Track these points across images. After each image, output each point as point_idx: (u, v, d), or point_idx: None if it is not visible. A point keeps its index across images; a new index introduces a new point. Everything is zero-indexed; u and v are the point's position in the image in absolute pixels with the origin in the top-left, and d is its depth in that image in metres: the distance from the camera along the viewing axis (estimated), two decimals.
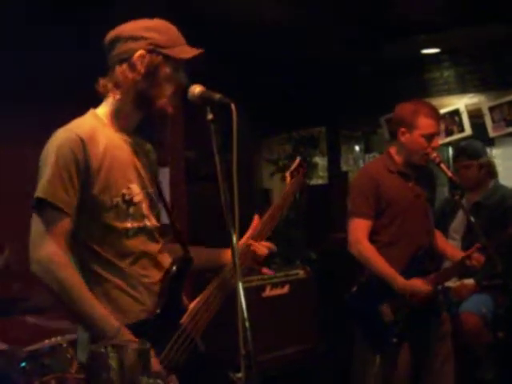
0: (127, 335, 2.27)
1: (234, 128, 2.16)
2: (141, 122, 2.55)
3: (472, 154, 5.18)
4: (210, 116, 2.26)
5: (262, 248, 2.71)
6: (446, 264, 4.60)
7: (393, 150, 4.12)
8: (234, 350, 2.08)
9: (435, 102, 7.34)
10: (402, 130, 3.98)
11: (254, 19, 5.82)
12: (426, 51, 7.30)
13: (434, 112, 4.01)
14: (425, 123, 3.93)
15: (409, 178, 4.06)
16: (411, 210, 4.01)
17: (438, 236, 4.36)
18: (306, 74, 7.30)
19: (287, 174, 2.92)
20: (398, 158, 4.07)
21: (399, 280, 3.89)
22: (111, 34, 2.48)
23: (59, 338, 3.81)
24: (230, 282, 2.53)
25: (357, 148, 8.48)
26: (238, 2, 5.48)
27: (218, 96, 2.28)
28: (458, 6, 5.79)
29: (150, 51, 2.42)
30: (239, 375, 2.07)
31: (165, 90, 2.47)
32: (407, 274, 3.94)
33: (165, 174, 5.86)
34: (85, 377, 2.22)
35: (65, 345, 3.70)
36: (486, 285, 4.91)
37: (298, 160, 2.99)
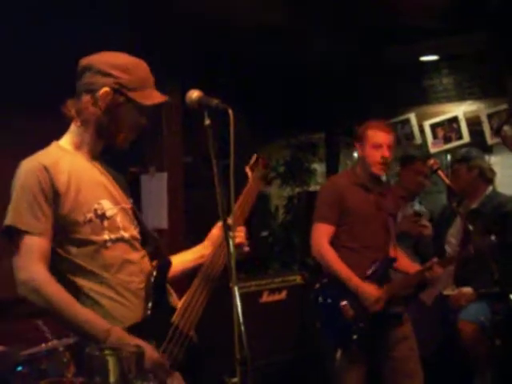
0: (119, 334, 2.32)
1: (231, 133, 2.18)
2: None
3: (461, 159, 5.22)
4: (207, 121, 2.28)
5: (240, 234, 2.73)
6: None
7: (358, 167, 4.36)
8: (229, 354, 2.08)
9: (434, 108, 7.39)
10: (357, 145, 4.27)
11: (254, 24, 5.83)
12: (425, 58, 7.31)
13: (381, 125, 4.26)
14: (371, 134, 4.19)
15: (370, 191, 4.28)
16: (370, 221, 4.24)
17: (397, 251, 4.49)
18: (305, 80, 7.31)
19: (247, 170, 2.93)
20: (360, 173, 4.30)
21: (354, 280, 4.11)
22: (84, 62, 2.53)
23: (56, 342, 3.81)
24: (211, 276, 2.61)
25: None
26: (237, 6, 5.48)
27: (215, 101, 2.30)
28: (457, 14, 5.80)
29: (114, 90, 2.47)
30: (235, 380, 2.07)
31: (123, 126, 2.52)
32: (370, 279, 4.17)
33: (163, 179, 5.87)
34: (80, 380, 2.22)
35: (61, 349, 3.70)
36: (484, 293, 4.91)
37: (254, 155, 3.00)
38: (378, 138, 4.16)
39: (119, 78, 2.47)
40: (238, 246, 2.65)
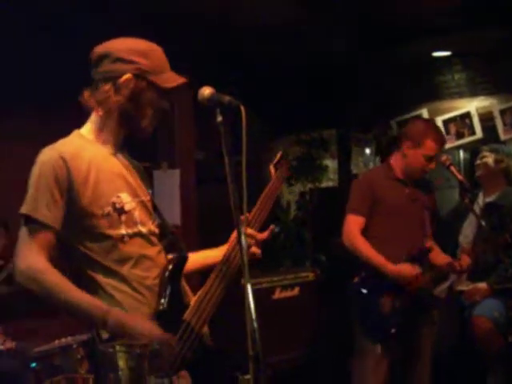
0: (118, 315, 2.31)
1: (243, 130, 2.18)
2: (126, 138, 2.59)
3: (493, 149, 5.28)
4: (219, 118, 2.28)
5: (259, 235, 2.73)
6: None
7: (392, 161, 4.41)
8: (242, 351, 2.08)
9: (446, 104, 7.36)
10: (408, 144, 4.28)
11: (265, 21, 5.83)
12: (437, 54, 7.28)
13: (441, 138, 4.33)
14: (430, 146, 4.21)
15: (405, 184, 4.34)
16: (403, 212, 4.29)
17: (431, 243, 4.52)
18: (317, 76, 7.30)
19: (271, 167, 2.92)
20: (396, 167, 4.36)
21: (389, 266, 4.15)
22: (100, 50, 2.50)
23: (69, 339, 3.83)
24: (227, 273, 2.58)
25: (367, 151, 8.46)
26: (245, 5, 5.50)
27: (227, 98, 2.29)
28: (470, 9, 5.78)
29: (136, 76, 2.46)
30: (248, 377, 2.07)
31: (147, 112, 2.51)
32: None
33: (175, 176, 5.89)
34: (93, 376, 2.23)
35: (75, 345, 3.72)
36: (498, 288, 4.90)
37: (280, 153, 2.99)
38: (434, 152, 4.23)
39: (139, 63, 2.46)
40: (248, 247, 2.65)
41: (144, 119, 2.52)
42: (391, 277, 4.13)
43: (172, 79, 2.53)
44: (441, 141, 4.29)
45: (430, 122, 4.41)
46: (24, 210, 2.34)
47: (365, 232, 4.29)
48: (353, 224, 4.30)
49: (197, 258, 2.72)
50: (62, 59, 5.09)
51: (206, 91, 2.33)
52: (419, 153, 4.21)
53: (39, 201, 2.33)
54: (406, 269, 4.15)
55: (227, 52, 6.31)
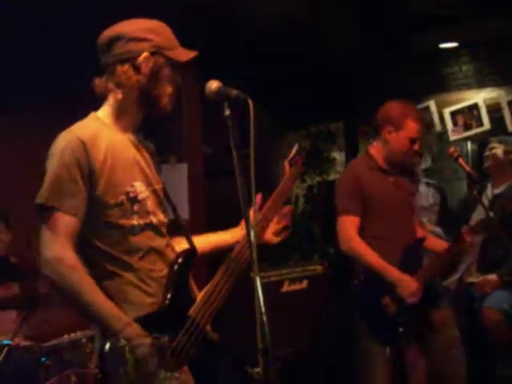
0: (136, 330, 2.28)
1: (251, 123, 2.17)
2: (143, 120, 2.58)
3: (502, 141, 5.29)
4: (227, 112, 2.27)
5: (271, 237, 2.77)
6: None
7: (373, 150, 4.27)
8: (252, 344, 2.09)
9: (454, 96, 7.34)
10: (389, 128, 4.13)
11: (269, 14, 5.83)
12: (444, 45, 7.26)
13: (420, 118, 4.21)
14: (412, 127, 4.09)
15: (389, 174, 4.20)
16: (395, 203, 4.14)
17: (420, 228, 4.44)
18: (323, 69, 7.29)
19: (286, 163, 2.91)
20: (378, 156, 4.22)
21: (391, 272, 3.98)
22: (109, 33, 2.50)
23: (79, 334, 3.85)
24: (235, 270, 2.57)
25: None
26: (245, 4, 5.51)
27: (234, 92, 2.29)
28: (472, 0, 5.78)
29: (153, 53, 2.46)
30: (257, 370, 2.07)
31: (166, 89, 2.51)
32: (403, 266, 4.03)
33: (183, 170, 5.89)
34: (103, 371, 2.23)
35: (84, 340, 3.74)
36: (509, 280, 4.90)
37: (295, 148, 2.98)
38: (416, 133, 4.10)
39: (153, 40, 2.46)
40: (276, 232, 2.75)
41: (164, 97, 2.51)
42: (394, 284, 3.96)
43: (184, 53, 2.53)
44: (421, 120, 4.17)
45: (406, 103, 4.23)
46: (43, 199, 2.30)
47: (363, 232, 4.07)
48: (348, 225, 4.07)
49: (201, 245, 2.69)
50: (62, 59, 5.10)
51: (213, 85, 2.33)
52: (402, 136, 4.08)
53: (63, 189, 2.30)
54: (409, 282, 3.96)
55: (228, 50, 6.31)
